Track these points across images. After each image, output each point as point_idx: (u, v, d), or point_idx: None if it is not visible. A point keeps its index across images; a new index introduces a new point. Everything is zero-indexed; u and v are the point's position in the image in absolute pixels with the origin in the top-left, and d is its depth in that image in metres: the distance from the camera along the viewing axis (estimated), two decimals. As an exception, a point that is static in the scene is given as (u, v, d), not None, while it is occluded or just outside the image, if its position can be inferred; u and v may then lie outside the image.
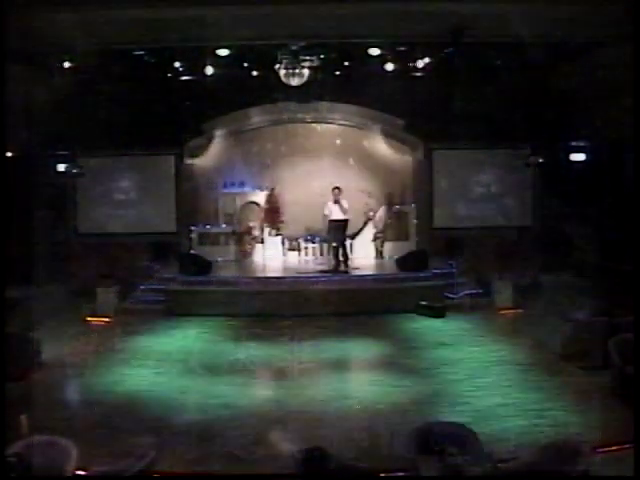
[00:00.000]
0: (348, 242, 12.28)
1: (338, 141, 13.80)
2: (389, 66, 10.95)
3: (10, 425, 4.90)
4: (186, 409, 6.07)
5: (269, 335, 8.83)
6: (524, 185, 12.95)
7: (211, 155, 13.69)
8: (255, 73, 11.28)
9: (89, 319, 9.93)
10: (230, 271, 11.81)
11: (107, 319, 9.93)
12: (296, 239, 13.28)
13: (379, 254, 13.03)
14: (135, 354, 7.98)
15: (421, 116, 12.37)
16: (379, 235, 13.09)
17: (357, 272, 11.22)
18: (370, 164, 13.69)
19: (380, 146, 13.77)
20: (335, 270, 11.10)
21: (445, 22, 8.83)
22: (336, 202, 11.68)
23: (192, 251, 12.65)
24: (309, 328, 9.09)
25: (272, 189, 13.40)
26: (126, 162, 12.95)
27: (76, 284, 12.28)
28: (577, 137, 12.46)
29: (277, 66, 10.34)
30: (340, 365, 7.70)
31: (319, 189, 12.57)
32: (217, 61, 10.69)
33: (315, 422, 5.80)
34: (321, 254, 13.06)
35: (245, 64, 11.08)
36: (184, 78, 11.19)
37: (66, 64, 9.97)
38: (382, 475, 4.45)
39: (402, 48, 10.51)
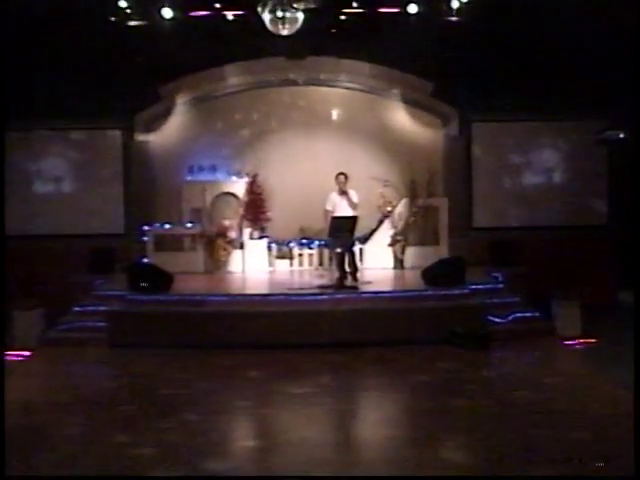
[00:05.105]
0: (357, 247, 12.31)
1: (344, 110, 13.79)
2: (412, 8, 10.85)
3: None
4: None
5: (247, 373, 8.59)
6: (597, 170, 12.98)
7: (172, 129, 13.67)
8: (231, 17, 11.35)
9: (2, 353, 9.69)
10: (198, 287, 11.69)
11: (27, 352, 9.73)
12: (287, 243, 13.28)
13: (399, 263, 13.04)
14: (62, 399, 7.69)
15: (456, 77, 12.39)
16: (399, 238, 13.05)
17: (369, 288, 11.08)
18: (387, 142, 13.69)
19: (400, 117, 13.78)
20: (340, 285, 10.96)
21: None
22: (342, 193, 11.70)
23: (146, 259, 12.63)
24: (302, 363, 8.94)
25: (254, 175, 13.39)
26: (56, 139, 12.97)
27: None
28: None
29: (261, 8, 10.31)
30: (344, 416, 7.39)
31: (318, 175, 12.58)
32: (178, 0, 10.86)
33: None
34: (321, 263, 13.11)
35: (217, 4, 11.20)
36: (133, 23, 11.23)
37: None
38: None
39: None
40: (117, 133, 12.97)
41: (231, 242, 13.19)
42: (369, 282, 11.42)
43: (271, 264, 13.19)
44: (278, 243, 13.27)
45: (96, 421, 6.93)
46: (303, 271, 13.00)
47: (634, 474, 4.49)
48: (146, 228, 13.02)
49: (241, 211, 13.36)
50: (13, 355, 9.65)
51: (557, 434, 6.25)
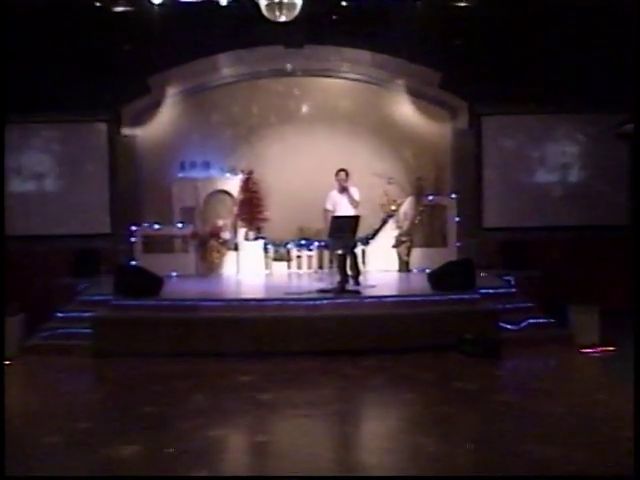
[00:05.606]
0: (360, 249, 12.32)
1: (345, 103, 13.79)
2: (419, -7, 10.98)
3: None
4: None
5: (243, 382, 8.54)
6: (616, 166, 12.86)
7: (161, 122, 13.62)
8: (224, 3, 11.20)
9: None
10: (189, 291, 11.68)
11: (7, 362, 9.48)
12: (285, 244, 13.28)
13: (404, 265, 13.00)
14: (43, 411, 7.61)
15: (465, 67, 12.39)
16: (404, 239, 13.03)
17: (373, 292, 11.06)
18: (391, 136, 13.69)
19: (406, 110, 13.77)
20: (341, 289, 10.91)
21: None
22: (343, 191, 11.72)
23: (134, 262, 12.61)
24: (301, 372, 8.91)
25: (250, 172, 13.36)
26: (36, 132, 12.95)
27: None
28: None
29: (256, -7, 10.38)
30: (350, 428, 7.32)
31: (318, 172, 12.52)
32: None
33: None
34: (321, 266, 13.13)
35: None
36: (120, 9, 11.17)
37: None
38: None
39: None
40: (102, 126, 12.94)
41: (225, 243, 13.16)
42: (372, 286, 11.43)
43: (268, 267, 13.19)
44: (275, 244, 13.26)
45: (77, 436, 6.79)
46: (302, 274, 13.03)
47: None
48: (134, 228, 12.98)
49: (236, 210, 13.32)
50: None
51: (568, 450, 6.15)
